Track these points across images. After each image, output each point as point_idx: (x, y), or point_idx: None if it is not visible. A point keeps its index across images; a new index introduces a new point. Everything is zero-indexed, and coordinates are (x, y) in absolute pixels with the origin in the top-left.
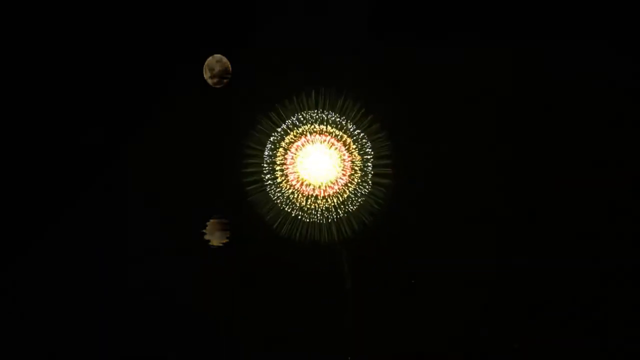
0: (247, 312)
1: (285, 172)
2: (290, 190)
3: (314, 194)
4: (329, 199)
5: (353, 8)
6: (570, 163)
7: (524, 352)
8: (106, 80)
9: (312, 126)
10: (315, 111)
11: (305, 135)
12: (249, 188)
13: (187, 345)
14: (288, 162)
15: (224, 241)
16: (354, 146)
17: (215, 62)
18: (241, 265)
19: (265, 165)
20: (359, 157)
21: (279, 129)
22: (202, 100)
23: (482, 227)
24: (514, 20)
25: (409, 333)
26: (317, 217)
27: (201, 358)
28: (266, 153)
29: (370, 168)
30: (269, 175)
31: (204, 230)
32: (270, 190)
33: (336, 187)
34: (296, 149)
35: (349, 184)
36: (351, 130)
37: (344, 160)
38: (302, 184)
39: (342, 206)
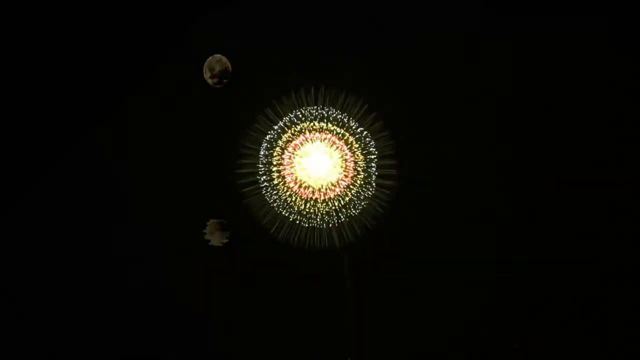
0: (247, 312)
1: (282, 173)
2: (287, 193)
3: (314, 197)
4: (329, 202)
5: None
6: (570, 163)
7: (524, 352)
8: (103, 79)
9: (312, 124)
10: (315, 108)
11: (304, 134)
12: (243, 190)
13: (187, 345)
14: (285, 162)
15: (224, 241)
16: (357, 145)
17: (215, 62)
18: (241, 265)
19: (260, 165)
20: (362, 157)
21: (276, 127)
22: (201, 100)
23: (482, 228)
24: None
25: (409, 333)
26: (317, 221)
27: (201, 358)
28: (262, 153)
29: (374, 169)
30: (264, 177)
31: (204, 230)
32: (267, 192)
33: (337, 189)
34: (294, 148)
35: (351, 186)
36: (354, 128)
37: (345, 160)
38: (300, 186)
39: (343, 210)
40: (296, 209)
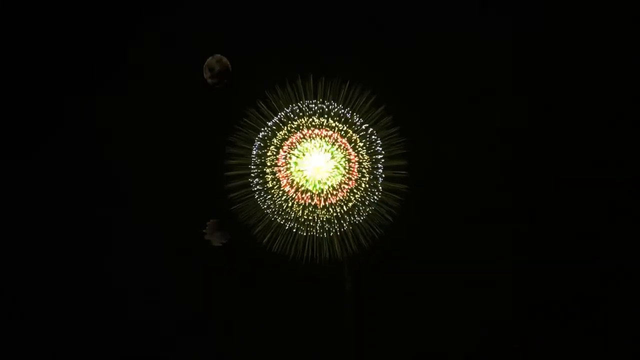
0: (247, 312)
1: (277, 175)
2: (283, 198)
3: (312, 203)
4: (330, 209)
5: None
6: (570, 163)
7: (524, 352)
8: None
9: (311, 119)
10: (315, 101)
11: (302, 130)
12: (232, 195)
13: (187, 345)
14: (280, 163)
15: (224, 241)
16: (361, 144)
17: (215, 62)
18: (241, 265)
19: (253, 166)
20: (367, 157)
21: (270, 123)
22: (201, 100)
23: (482, 228)
24: None
25: (409, 334)
26: (316, 230)
27: (201, 358)
28: (254, 152)
29: (380, 171)
30: (257, 179)
31: (204, 230)
32: (259, 197)
33: (339, 193)
34: (290, 147)
35: (355, 190)
36: (358, 124)
37: (348, 160)
38: (297, 190)
39: (346, 217)
40: (293, 216)
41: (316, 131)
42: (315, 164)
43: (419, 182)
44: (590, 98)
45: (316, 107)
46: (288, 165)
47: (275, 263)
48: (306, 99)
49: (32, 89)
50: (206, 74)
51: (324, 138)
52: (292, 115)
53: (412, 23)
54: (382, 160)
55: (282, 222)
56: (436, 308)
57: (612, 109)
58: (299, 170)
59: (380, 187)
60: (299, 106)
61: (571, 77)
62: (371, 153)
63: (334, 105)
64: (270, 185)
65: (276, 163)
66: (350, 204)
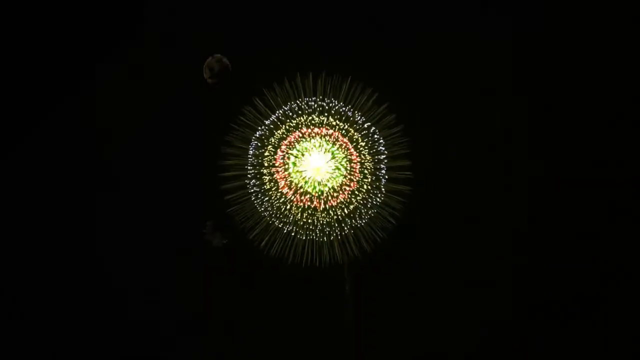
0: (247, 312)
1: (275, 176)
2: (281, 200)
3: (312, 205)
4: (330, 211)
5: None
6: (570, 163)
7: (524, 352)
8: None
9: (310, 117)
10: (314, 98)
11: (301, 129)
12: (228, 197)
13: (187, 345)
14: (278, 163)
15: (224, 241)
16: (363, 143)
17: (215, 62)
18: (241, 265)
19: (249, 167)
20: (369, 158)
21: (267, 121)
22: (201, 100)
23: (482, 228)
24: None
25: (409, 334)
26: (316, 234)
27: (201, 358)
28: (250, 152)
29: (383, 171)
30: (254, 181)
31: (204, 231)
32: (256, 199)
33: (340, 195)
34: (289, 147)
35: (357, 192)
36: (360, 122)
37: (350, 161)
38: (296, 192)
39: (347, 220)
40: (291, 218)
41: (316, 130)
42: (315, 165)
43: (420, 183)
44: (590, 98)
45: (316, 105)
46: (286, 166)
47: (276, 263)
48: (305, 96)
49: (32, 88)
50: (206, 74)
51: (324, 137)
52: (290, 113)
53: (412, 23)
54: (385, 161)
55: (280, 226)
56: (436, 308)
57: (612, 109)
58: (297, 171)
59: (383, 189)
60: (297, 104)
61: (571, 77)
62: (374, 153)
63: (335, 102)
64: (268, 187)
65: (274, 163)
66: (351, 207)
